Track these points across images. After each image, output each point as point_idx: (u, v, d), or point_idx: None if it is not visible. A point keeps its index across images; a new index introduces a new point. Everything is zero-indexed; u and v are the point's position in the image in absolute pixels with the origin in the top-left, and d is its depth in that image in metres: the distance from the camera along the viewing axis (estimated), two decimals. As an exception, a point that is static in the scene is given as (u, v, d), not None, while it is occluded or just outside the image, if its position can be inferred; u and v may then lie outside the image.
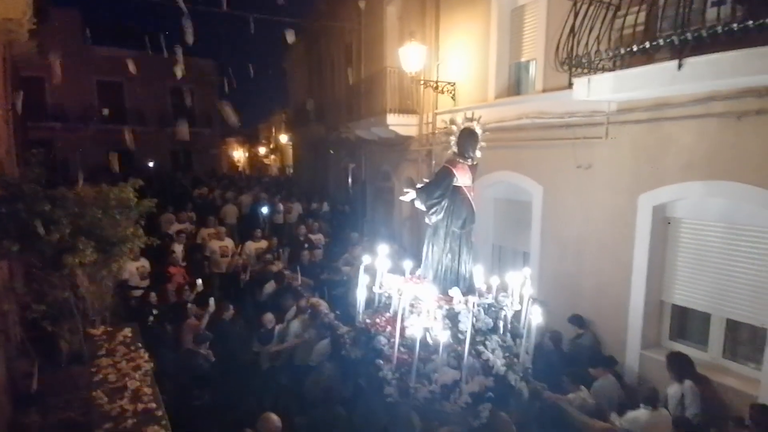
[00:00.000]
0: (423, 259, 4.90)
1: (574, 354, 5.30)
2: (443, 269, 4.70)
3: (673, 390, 4.36)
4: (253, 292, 7.29)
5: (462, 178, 4.68)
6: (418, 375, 3.88)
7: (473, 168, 4.80)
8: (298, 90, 20.79)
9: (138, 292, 6.89)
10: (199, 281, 6.89)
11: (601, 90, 4.63)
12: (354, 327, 4.85)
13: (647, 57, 4.25)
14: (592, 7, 4.41)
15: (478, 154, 4.85)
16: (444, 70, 8.59)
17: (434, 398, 3.85)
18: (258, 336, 5.80)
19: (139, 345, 3.45)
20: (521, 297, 4.54)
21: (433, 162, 8.93)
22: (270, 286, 7.01)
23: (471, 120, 4.81)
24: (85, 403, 4.58)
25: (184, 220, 10.24)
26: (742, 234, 4.45)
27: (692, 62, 3.72)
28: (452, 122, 4.86)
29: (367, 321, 4.61)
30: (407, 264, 4.94)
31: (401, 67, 8.39)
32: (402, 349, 4.03)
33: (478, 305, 4.41)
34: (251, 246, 8.80)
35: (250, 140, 41.10)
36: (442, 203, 4.63)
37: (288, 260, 8.67)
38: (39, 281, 4.92)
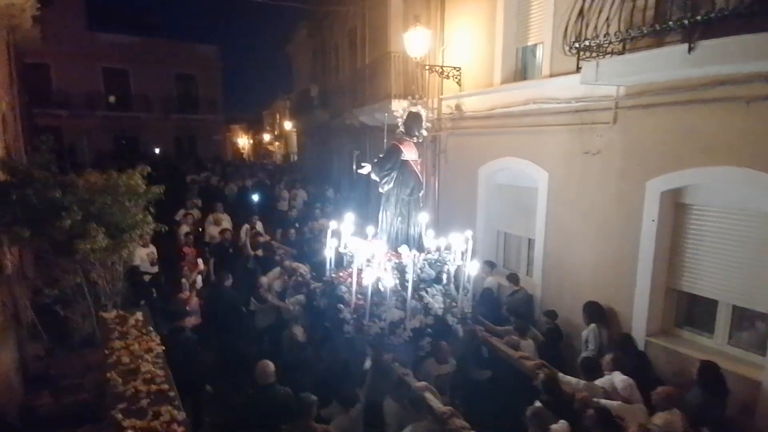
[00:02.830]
0: (378, 222, 5.65)
1: (512, 307, 6.25)
2: (395, 231, 5.50)
3: (584, 332, 5.29)
4: (243, 261, 8.09)
5: (409, 153, 5.45)
6: (371, 315, 4.66)
7: (419, 144, 5.64)
8: (302, 76, 20.64)
9: (148, 277, 7.08)
10: (200, 260, 7.58)
11: (609, 74, 4.58)
12: (323, 281, 5.61)
13: (657, 40, 4.19)
14: (601, -11, 4.33)
15: (423, 132, 5.66)
16: (449, 54, 8.50)
17: (383, 333, 4.65)
18: (256, 297, 6.37)
19: (150, 329, 3.52)
20: (463, 255, 5.27)
21: (439, 148, 8.92)
22: (259, 254, 7.91)
23: (416, 104, 5.66)
24: (98, 385, 4.71)
25: (190, 207, 10.48)
26: (750, 219, 4.42)
27: (702, 45, 3.66)
28: (403, 109, 5.70)
29: (333, 276, 5.39)
30: (370, 229, 5.68)
31: (406, 51, 8.30)
32: (359, 295, 4.81)
33: (424, 260, 5.24)
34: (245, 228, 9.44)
35: (255, 127, 41.02)
36: (392, 175, 5.39)
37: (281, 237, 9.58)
38: (51, 266, 5.00)
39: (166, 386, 2.73)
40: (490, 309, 5.98)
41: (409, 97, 5.75)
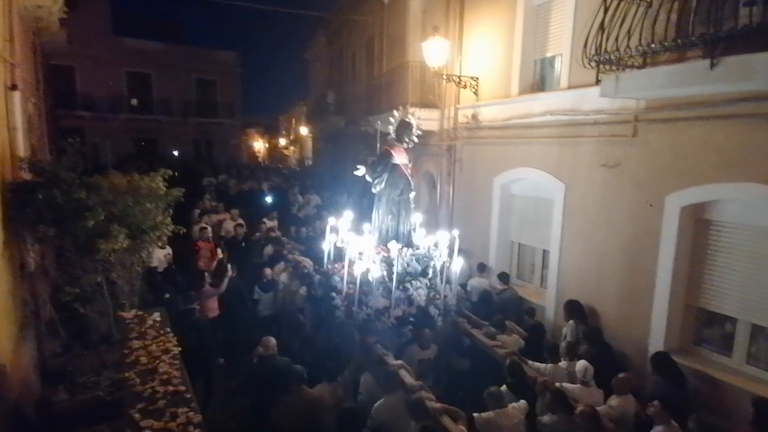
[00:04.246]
0: (371, 220, 6.16)
1: (502, 304, 6.64)
2: (386, 228, 6.03)
3: (564, 328, 5.81)
4: (254, 255, 8.68)
5: (399, 157, 5.99)
6: (360, 303, 5.18)
7: (408, 150, 6.14)
8: (318, 82, 20.88)
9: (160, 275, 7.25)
10: (219, 249, 8.02)
11: (629, 88, 4.55)
12: (320, 272, 6.15)
13: (678, 55, 4.15)
14: (622, 3, 4.32)
15: (414, 139, 6.15)
16: (467, 64, 8.53)
17: (370, 319, 5.16)
18: (260, 285, 6.93)
19: (168, 329, 3.58)
20: (449, 252, 5.67)
21: (455, 157, 8.92)
22: (269, 249, 8.48)
23: (407, 113, 6.15)
24: (114, 384, 4.79)
25: (205, 206, 11.06)
26: (772, 238, 4.34)
27: (725, 62, 3.62)
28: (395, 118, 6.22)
29: (329, 267, 5.89)
30: (366, 226, 6.20)
31: (423, 61, 8.36)
32: (350, 285, 5.28)
33: (411, 255, 5.72)
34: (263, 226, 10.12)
35: (270, 131, 41.47)
36: (383, 177, 5.93)
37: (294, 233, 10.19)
38: (72, 265, 5.13)
39: (182, 388, 2.77)
40: (484, 307, 6.48)
41: (400, 107, 6.24)
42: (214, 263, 7.60)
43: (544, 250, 7.10)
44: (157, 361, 3.01)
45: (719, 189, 4.58)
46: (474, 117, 8.29)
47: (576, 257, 6.25)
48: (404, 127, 6.08)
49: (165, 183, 5.16)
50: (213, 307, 6.44)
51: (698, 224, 4.93)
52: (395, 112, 6.17)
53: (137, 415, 2.52)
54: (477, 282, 7.30)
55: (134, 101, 23.12)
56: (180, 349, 3.27)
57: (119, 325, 4.07)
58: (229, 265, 6.83)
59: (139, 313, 3.96)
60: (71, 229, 4.64)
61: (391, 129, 6.15)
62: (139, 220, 4.76)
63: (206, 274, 6.74)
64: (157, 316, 3.82)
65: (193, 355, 4.95)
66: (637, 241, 5.37)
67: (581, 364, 4.44)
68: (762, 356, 4.54)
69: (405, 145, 6.10)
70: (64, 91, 19.26)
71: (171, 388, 2.74)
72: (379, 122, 7.27)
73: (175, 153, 23.74)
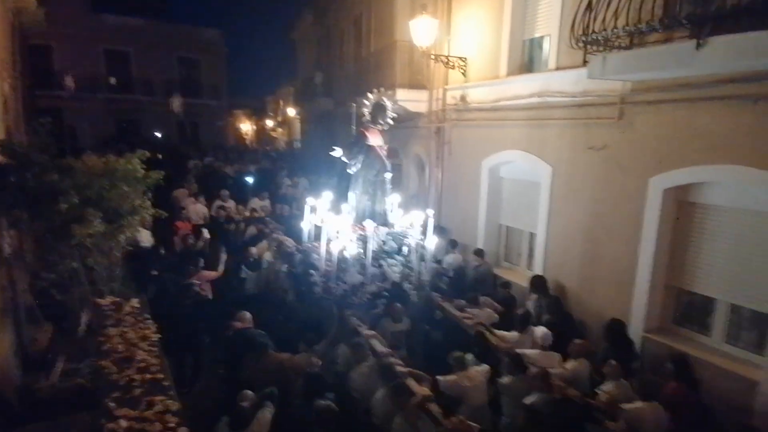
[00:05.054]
0: (348, 200, 6.31)
1: (476, 278, 7.06)
2: (362, 207, 6.19)
3: (528, 301, 6.16)
4: (236, 236, 8.97)
5: (374, 139, 6.12)
6: (336, 279, 5.36)
7: (383, 132, 6.26)
8: (306, 62, 20.42)
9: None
10: (205, 230, 8.17)
11: (616, 69, 4.49)
12: (300, 251, 6.39)
13: (666, 36, 4.09)
14: (611, -19, 4.22)
15: (389, 121, 6.20)
16: (455, 44, 8.37)
17: (346, 294, 5.34)
18: (246, 264, 7.16)
19: (147, 316, 3.51)
20: (424, 230, 5.84)
21: (443, 139, 8.83)
22: (252, 230, 8.73)
23: (381, 96, 6.23)
24: (94, 371, 4.73)
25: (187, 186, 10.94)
26: (754, 219, 4.38)
27: (712, 42, 3.57)
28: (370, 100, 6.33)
29: (308, 245, 6.07)
30: (345, 206, 6.36)
31: (412, 41, 8.18)
32: (328, 262, 5.46)
33: (387, 234, 5.89)
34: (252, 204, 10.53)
35: (258, 113, 40.75)
36: (359, 158, 6.08)
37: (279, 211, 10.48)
38: (49, 250, 4.99)
39: (161, 375, 2.72)
40: (459, 282, 6.90)
41: (374, 90, 6.35)
42: (200, 244, 7.78)
43: (531, 233, 7.12)
44: (135, 349, 2.95)
45: (702, 171, 4.59)
46: (462, 98, 8.19)
47: (562, 240, 6.28)
48: (379, 109, 6.21)
49: (144, 165, 5.00)
50: (207, 290, 6.55)
51: (681, 206, 4.96)
52: (370, 95, 6.29)
53: (112, 404, 2.47)
54: (452, 258, 7.59)
55: (113, 80, 22.38)
56: (159, 336, 3.21)
57: (98, 313, 3.99)
58: (223, 248, 7.04)
59: (117, 299, 3.88)
60: (45, 213, 4.49)
61: (366, 111, 6.25)
62: (115, 203, 4.62)
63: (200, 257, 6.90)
64: (135, 302, 3.74)
65: (187, 330, 5.49)
66: (621, 223, 5.40)
67: (540, 330, 4.87)
68: (740, 335, 4.64)
69: (380, 127, 6.24)
70: (42, 71, 18.58)
71: (148, 376, 2.70)
72: (354, 104, 7.13)
73: (158, 135, 23.16)
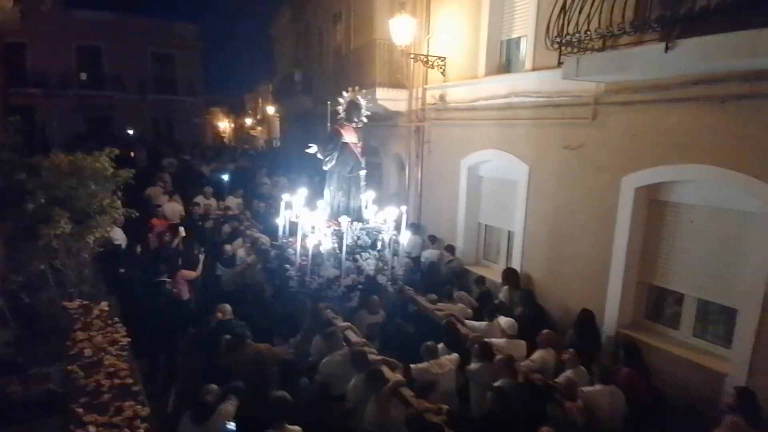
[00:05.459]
0: (324, 196, 6.45)
1: (449, 273, 7.24)
2: (337, 203, 6.33)
3: (500, 293, 6.36)
4: (213, 234, 8.97)
5: (348, 136, 6.23)
6: (311, 273, 5.55)
7: (358, 129, 6.39)
8: (285, 59, 20.19)
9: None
10: (182, 228, 8.10)
11: (589, 70, 4.58)
12: (275, 246, 6.48)
13: (637, 38, 4.19)
14: (584, -16, 4.30)
15: (363, 119, 6.36)
16: (435, 44, 8.40)
17: (321, 288, 5.53)
18: (221, 261, 7.19)
19: (116, 319, 3.41)
20: (397, 226, 6.08)
21: (423, 138, 8.86)
22: (226, 228, 8.72)
23: (355, 94, 6.38)
24: (64, 376, 4.59)
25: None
26: (719, 217, 4.53)
27: (680, 44, 3.68)
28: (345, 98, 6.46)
29: (284, 241, 6.21)
30: (320, 202, 6.51)
31: (391, 39, 8.18)
32: (303, 257, 5.63)
33: (361, 229, 6.05)
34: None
35: (236, 111, 40.15)
36: (333, 155, 6.18)
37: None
38: (18, 252, 4.81)
39: (130, 380, 2.65)
40: (432, 277, 7.04)
41: (349, 88, 6.48)
42: (176, 241, 7.74)
43: (509, 232, 7.21)
44: (103, 353, 2.87)
45: (671, 171, 4.72)
46: (441, 98, 8.22)
47: (539, 238, 6.37)
48: (353, 107, 6.33)
49: (113, 164, 4.86)
50: (184, 290, 6.47)
51: (651, 205, 5.10)
52: (344, 93, 6.44)
53: (80, 410, 2.39)
54: (429, 253, 7.78)
55: (84, 76, 21.67)
56: (129, 339, 3.12)
57: (65, 316, 3.86)
58: (201, 249, 7.02)
59: (85, 302, 3.76)
60: (13, 213, 4.33)
61: (341, 109, 6.36)
62: (83, 203, 4.48)
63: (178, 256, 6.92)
64: (104, 305, 3.63)
65: (160, 329, 5.47)
66: (595, 221, 5.51)
67: (504, 320, 5.09)
68: (706, 329, 4.80)
69: (354, 124, 6.36)
70: (16, 68, 17.97)
71: (117, 381, 2.62)
72: (329, 102, 7.37)
73: (131, 132, 22.51)
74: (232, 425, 3.25)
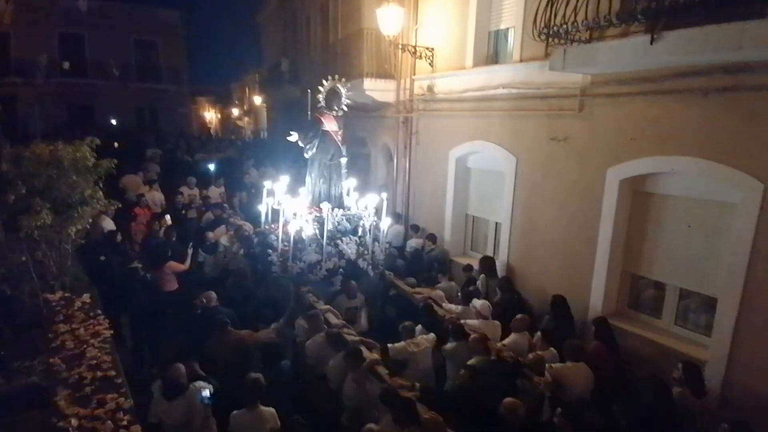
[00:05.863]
0: (305, 183, 6.58)
1: (430, 261, 7.45)
2: (318, 190, 6.48)
3: (477, 281, 6.44)
4: (196, 223, 9.01)
5: (329, 124, 6.37)
6: (294, 258, 5.72)
7: (338, 118, 6.50)
8: (272, 48, 19.89)
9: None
10: (167, 216, 8.14)
11: (576, 62, 4.60)
12: (257, 233, 6.61)
13: (624, 30, 4.21)
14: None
15: (343, 107, 6.49)
16: (423, 34, 8.35)
17: (303, 272, 5.74)
18: (203, 248, 7.20)
19: (99, 312, 3.36)
20: (377, 212, 6.24)
21: (411, 129, 8.83)
22: (209, 215, 8.85)
23: (335, 82, 6.49)
24: (46, 369, 4.52)
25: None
26: (701, 207, 4.61)
27: (665, 37, 3.70)
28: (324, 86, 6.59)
29: (266, 227, 6.36)
30: (302, 190, 6.62)
31: (379, 29, 8.10)
32: (285, 243, 5.79)
33: (342, 215, 6.21)
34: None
35: (223, 100, 39.53)
36: (314, 143, 6.34)
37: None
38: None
39: (112, 373, 2.62)
40: (415, 264, 7.31)
41: (329, 77, 6.56)
42: (161, 230, 7.66)
43: (496, 223, 7.25)
44: (85, 346, 2.83)
45: (655, 162, 4.78)
46: (429, 89, 8.19)
47: (526, 229, 6.43)
48: (333, 95, 6.42)
49: (95, 153, 4.75)
50: (173, 281, 6.43)
51: (636, 196, 5.17)
52: (325, 81, 6.52)
53: (62, 403, 2.36)
54: (414, 242, 8.03)
55: (66, 65, 21.11)
56: (112, 332, 3.08)
57: (47, 308, 3.79)
58: (190, 243, 6.94)
59: (67, 294, 3.69)
60: (-9, 204, 4.21)
61: (321, 98, 6.43)
62: (64, 194, 4.38)
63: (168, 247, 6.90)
64: (86, 297, 3.57)
65: (142, 314, 5.55)
66: (581, 212, 5.57)
67: (482, 303, 5.32)
68: (687, 317, 4.91)
69: (334, 112, 6.45)
70: (1, 59, 17.50)
71: (100, 373, 2.59)
72: (309, 91, 7.44)
73: (114, 122, 22.04)
74: (206, 392, 3.27)
